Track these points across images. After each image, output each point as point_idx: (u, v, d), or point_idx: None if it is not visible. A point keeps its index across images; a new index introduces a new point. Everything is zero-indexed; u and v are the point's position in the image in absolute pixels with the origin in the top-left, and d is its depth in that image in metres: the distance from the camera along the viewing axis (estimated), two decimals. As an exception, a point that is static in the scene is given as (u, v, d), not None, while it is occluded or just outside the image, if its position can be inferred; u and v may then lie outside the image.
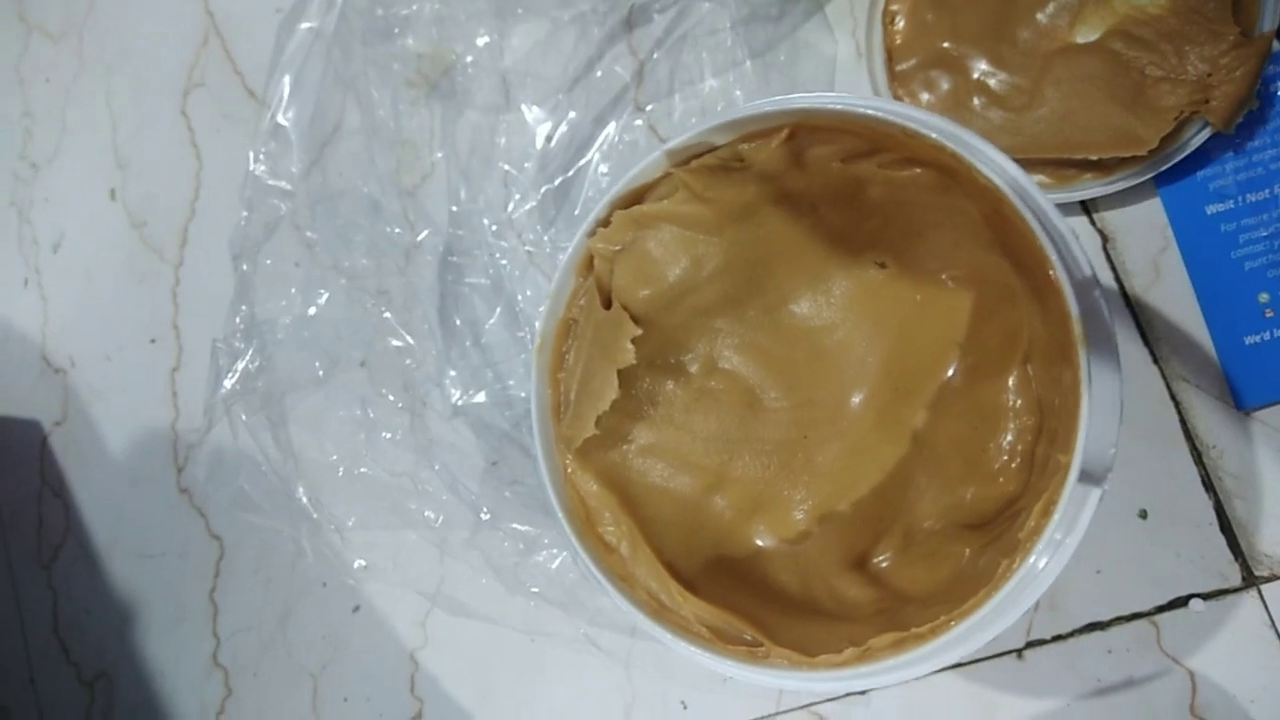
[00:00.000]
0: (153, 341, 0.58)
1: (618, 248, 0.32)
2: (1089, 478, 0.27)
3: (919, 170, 0.30)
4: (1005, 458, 0.32)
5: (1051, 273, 0.26)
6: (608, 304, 0.33)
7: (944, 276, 0.32)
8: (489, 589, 0.46)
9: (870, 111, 0.28)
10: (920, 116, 0.28)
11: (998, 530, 0.30)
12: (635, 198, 0.32)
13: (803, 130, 0.30)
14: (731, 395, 0.34)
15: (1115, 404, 0.27)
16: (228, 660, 0.54)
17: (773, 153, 0.30)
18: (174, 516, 0.56)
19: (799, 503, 0.33)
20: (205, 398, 0.47)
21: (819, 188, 0.32)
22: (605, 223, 0.32)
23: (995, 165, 0.27)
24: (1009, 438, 0.32)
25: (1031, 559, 0.26)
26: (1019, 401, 0.31)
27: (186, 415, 0.57)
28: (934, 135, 0.27)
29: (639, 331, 0.31)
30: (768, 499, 0.33)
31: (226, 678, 0.54)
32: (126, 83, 0.62)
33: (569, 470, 0.32)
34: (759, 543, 0.33)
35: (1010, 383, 0.32)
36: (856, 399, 0.34)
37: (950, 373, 0.33)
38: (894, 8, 0.44)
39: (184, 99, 0.59)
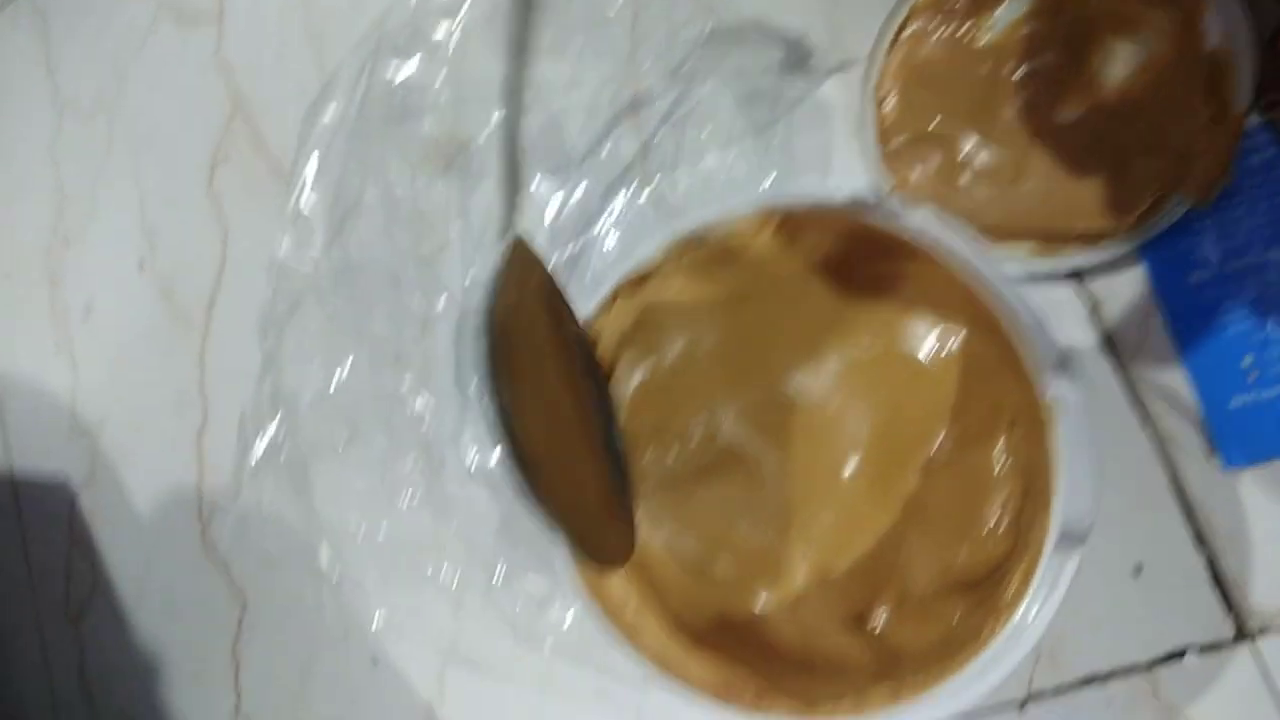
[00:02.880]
0: (179, 405, 0.60)
1: (620, 331, 0.34)
2: (1067, 544, 0.28)
3: (901, 257, 0.32)
4: (994, 520, 0.33)
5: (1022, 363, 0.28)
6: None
7: (930, 351, 0.34)
8: (503, 645, 0.47)
9: (857, 210, 0.30)
10: (905, 218, 0.30)
11: (987, 590, 0.31)
12: (637, 283, 0.34)
13: (790, 221, 0.32)
14: (731, 466, 0.36)
15: (1091, 474, 0.29)
16: (250, 712, 0.55)
17: (764, 243, 0.32)
18: (198, 573, 0.57)
19: (797, 565, 0.35)
20: (233, 468, 0.49)
21: (808, 273, 0.34)
22: (609, 308, 0.34)
23: (963, 259, 0.29)
24: (997, 501, 0.33)
25: (1014, 622, 0.28)
26: (1005, 466, 0.33)
27: (211, 475, 0.58)
28: (909, 236, 0.29)
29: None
30: (768, 562, 0.35)
31: (249, 732, 0.55)
32: (155, 159, 0.64)
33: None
34: (760, 603, 0.34)
35: (996, 449, 0.33)
36: (850, 468, 0.35)
37: (939, 441, 0.34)
38: (884, 87, 0.46)
39: (210, 174, 0.62)
